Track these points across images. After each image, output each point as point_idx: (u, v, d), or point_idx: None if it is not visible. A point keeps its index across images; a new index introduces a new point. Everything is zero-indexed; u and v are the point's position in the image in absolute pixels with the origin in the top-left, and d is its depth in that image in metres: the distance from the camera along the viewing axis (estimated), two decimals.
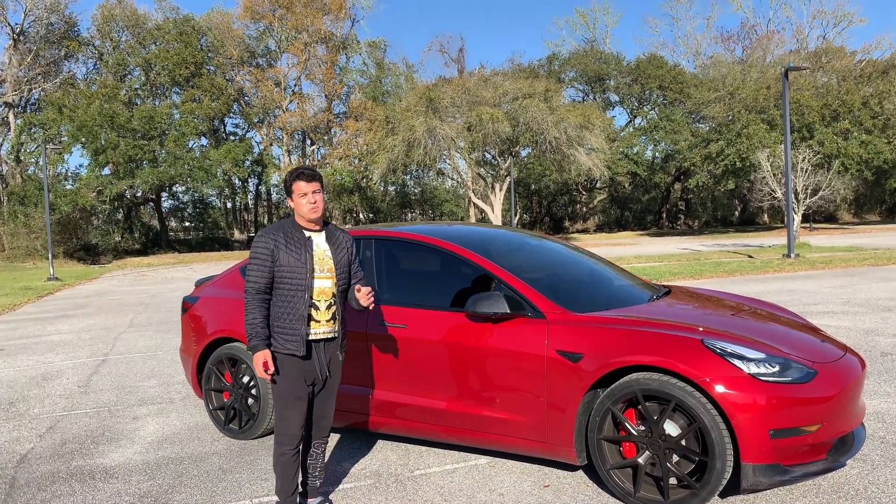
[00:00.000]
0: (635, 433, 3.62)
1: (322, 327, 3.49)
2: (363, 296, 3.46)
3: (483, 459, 4.40)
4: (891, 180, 43.32)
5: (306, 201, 3.44)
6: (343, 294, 3.59)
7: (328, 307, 3.49)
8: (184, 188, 46.37)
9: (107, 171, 39.29)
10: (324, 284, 3.47)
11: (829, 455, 3.51)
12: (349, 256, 3.61)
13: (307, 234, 3.50)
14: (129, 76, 44.73)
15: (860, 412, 3.80)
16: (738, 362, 3.44)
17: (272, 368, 3.38)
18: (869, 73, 39.85)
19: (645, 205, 57.84)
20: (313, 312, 3.45)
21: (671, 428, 3.53)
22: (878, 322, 8.58)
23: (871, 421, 4.76)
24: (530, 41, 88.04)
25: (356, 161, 43.28)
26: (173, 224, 55.98)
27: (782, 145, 21.90)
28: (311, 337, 3.47)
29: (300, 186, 3.44)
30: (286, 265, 3.40)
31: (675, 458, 3.52)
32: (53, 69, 44.52)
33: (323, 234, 3.57)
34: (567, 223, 57.96)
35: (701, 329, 3.74)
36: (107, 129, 37.54)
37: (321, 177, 3.52)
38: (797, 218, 26.81)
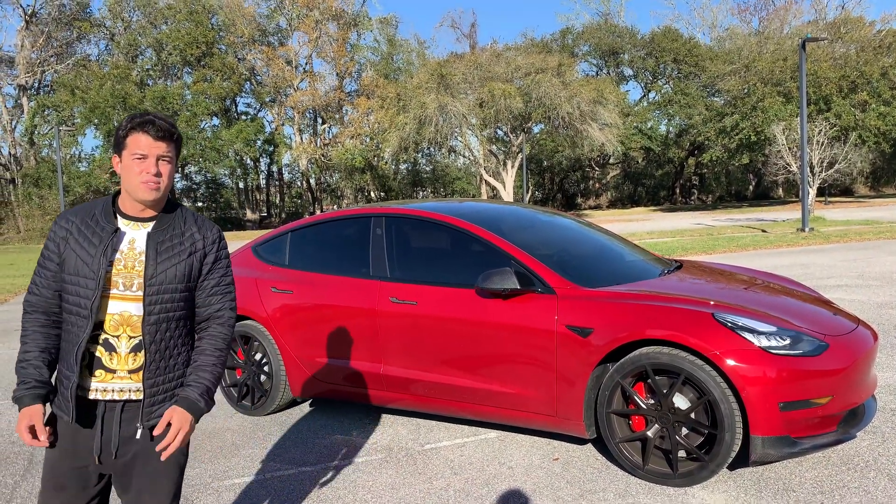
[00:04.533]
0: (644, 407, 3.63)
1: (115, 381, 2.09)
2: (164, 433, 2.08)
3: (493, 433, 4.44)
4: None
5: (140, 169, 2.05)
6: (177, 330, 2.16)
7: (132, 350, 2.09)
8: (196, 168, 46.57)
9: None
10: (125, 309, 2.08)
11: (840, 427, 3.51)
12: (193, 266, 2.17)
13: (122, 223, 2.12)
14: (141, 57, 44.80)
15: (871, 384, 3.78)
16: (748, 335, 3.43)
17: (43, 437, 2.00)
18: (888, 43, 38.98)
19: (658, 180, 57.39)
20: (101, 354, 2.08)
21: (680, 401, 3.54)
22: (893, 295, 8.50)
23: (883, 393, 4.74)
24: (543, 15, 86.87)
25: (367, 139, 43.20)
26: (186, 204, 56.17)
27: (798, 118, 21.59)
28: (93, 394, 2.08)
29: (139, 142, 2.05)
30: (71, 271, 2.07)
31: (685, 430, 3.53)
32: (66, 51, 44.67)
33: (151, 226, 2.14)
34: (579, 199, 57.68)
35: (712, 303, 3.73)
36: (119, 110, 37.69)
37: (179, 137, 2.15)
38: (812, 192, 26.49)
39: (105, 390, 2.08)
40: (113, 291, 2.07)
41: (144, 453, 2.11)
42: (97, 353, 2.08)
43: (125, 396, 2.10)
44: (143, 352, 2.09)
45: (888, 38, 39.53)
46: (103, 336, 2.08)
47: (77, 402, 2.05)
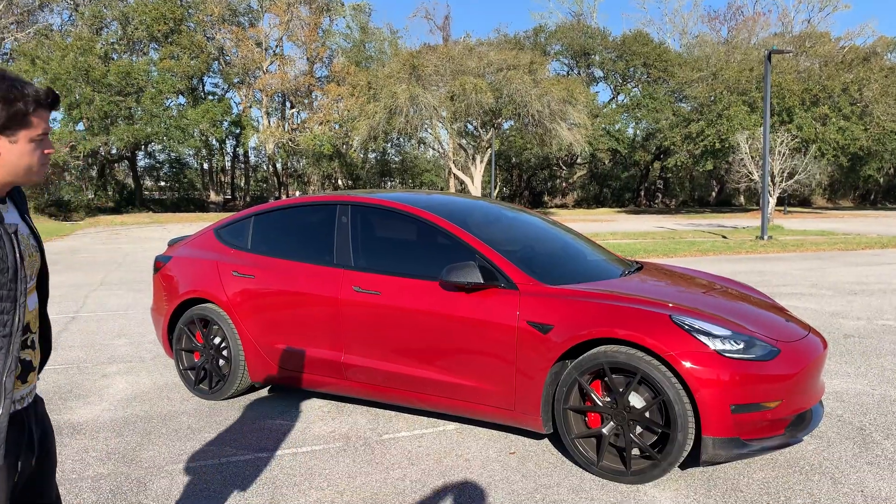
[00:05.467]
0: (601, 404, 3.69)
1: (34, 381, 1.89)
2: None
3: (452, 425, 4.46)
4: (865, 167, 43.96)
5: (43, 149, 1.79)
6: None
7: (33, 344, 1.89)
8: (160, 147, 45.64)
9: (80, 126, 38.49)
10: (32, 303, 1.86)
11: (787, 431, 3.61)
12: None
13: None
14: (106, 29, 43.59)
15: (819, 391, 3.90)
16: (704, 338, 3.51)
17: None
18: (850, 59, 40.12)
19: (624, 182, 58.17)
20: (30, 356, 1.86)
21: (636, 400, 3.60)
22: (844, 305, 8.77)
23: (830, 400, 4.89)
24: (517, 12, 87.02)
25: (337, 126, 42.82)
26: (148, 183, 55.15)
27: (762, 128, 22.06)
28: (20, 403, 1.81)
29: (44, 119, 1.76)
30: None
31: (639, 429, 3.60)
32: (27, 19, 43.20)
33: (11, 207, 1.83)
34: (546, 198, 58.12)
35: (670, 305, 3.80)
36: (81, 84, 36.65)
37: None
38: (772, 201, 27.15)
39: (25, 398, 1.83)
40: (29, 282, 1.83)
41: (43, 444, 1.92)
42: (27, 357, 1.84)
43: (34, 395, 1.90)
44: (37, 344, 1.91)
45: (850, 54, 40.66)
46: (30, 337, 1.85)
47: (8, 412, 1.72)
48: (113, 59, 40.92)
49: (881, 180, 54.81)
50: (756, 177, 27.76)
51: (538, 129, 36.68)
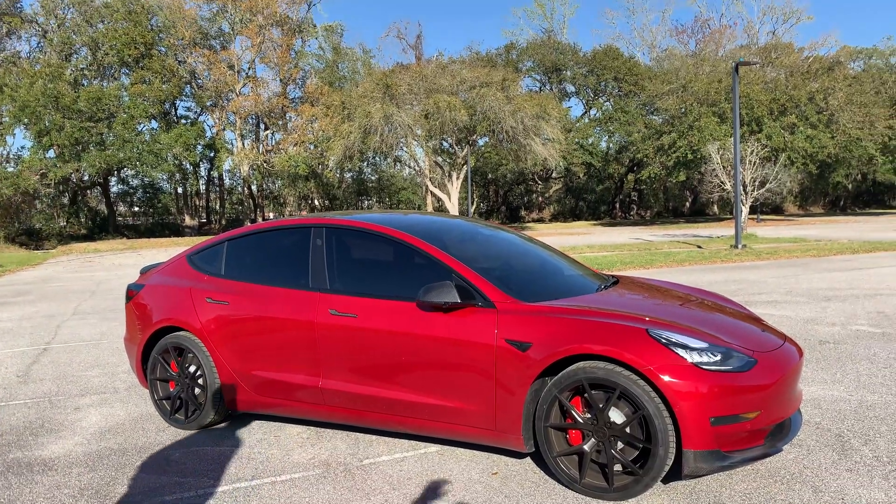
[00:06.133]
0: (581, 421, 3.67)
1: None
2: None
3: (433, 448, 4.42)
4: (834, 174, 44.88)
5: None
6: None
7: None
8: (133, 172, 45.13)
9: (51, 153, 37.98)
10: None
11: (767, 441, 3.62)
12: None
13: None
14: (76, 55, 43.18)
15: (797, 399, 3.92)
16: (681, 351, 3.52)
17: None
18: (815, 69, 40.99)
19: (599, 195, 58.66)
20: None
21: (616, 415, 3.59)
22: (818, 311, 8.88)
23: (808, 407, 4.93)
24: (489, 30, 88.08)
25: (312, 147, 42.73)
26: (122, 209, 54.50)
27: (732, 138, 22.43)
28: None
29: None
30: None
31: (620, 445, 3.59)
32: None
33: None
34: (523, 212, 58.43)
35: (647, 319, 3.81)
36: (51, 110, 36.22)
37: None
38: (745, 209, 27.50)
39: None
40: None
41: None
42: None
43: None
44: None
45: (815, 64, 41.54)
46: None
47: None
48: (83, 85, 40.56)
49: (849, 186, 55.94)
50: (728, 186, 28.13)
51: (513, 145, 36.95)
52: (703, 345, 3.59)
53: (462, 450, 4.35)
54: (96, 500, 3.81)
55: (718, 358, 3.54)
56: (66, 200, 44.88)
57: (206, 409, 4.84)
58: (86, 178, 43.19)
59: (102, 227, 44.16)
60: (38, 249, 33.66)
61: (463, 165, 37.65)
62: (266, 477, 4.05)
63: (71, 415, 5.45)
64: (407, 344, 4.12)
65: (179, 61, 43.58)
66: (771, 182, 28.20)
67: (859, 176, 53.82)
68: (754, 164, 27.22)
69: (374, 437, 4.66)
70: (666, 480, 3.76)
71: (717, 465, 3.44)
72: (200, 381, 4.89)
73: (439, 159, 40.82)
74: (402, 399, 4.17)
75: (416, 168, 41.84)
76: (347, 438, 4.66)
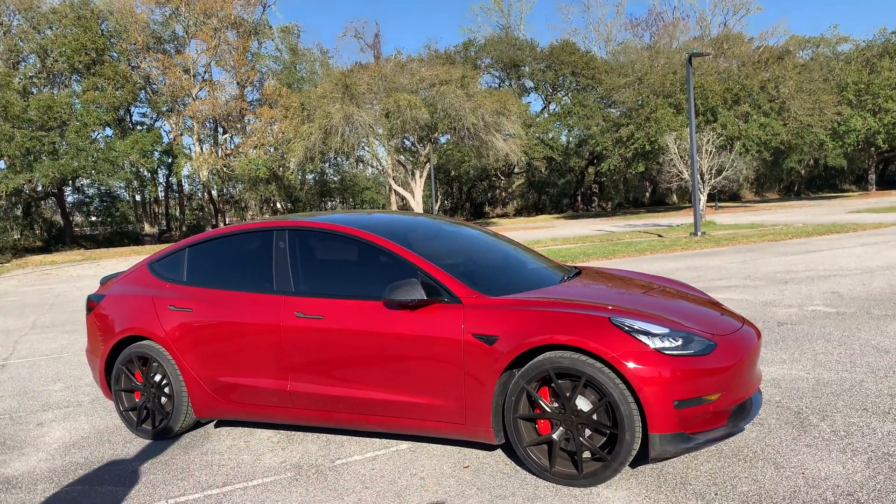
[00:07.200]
0: (549, 410, 3.73)
1: None
2: None
3: (405, 445, 4.44)
4: (787, 160, 45.98)
5: None
6: None
7: None
8: (88, 181, 44.14)
9: (1, 164, 36.93)
10: None
11: (730, 421, 3.72)
12: None
13: None
14: (24, 63, 42.04)
15: (757, 379, 4.04)
16: (643, 338, 3.59)
17: None
18: (766, 58, 41.94)
19: (561, 188, 59.23)
20: None
21: (583, 403, 3.65)
22: (776, 294, 9.12)
23: (768, 387, 5.07)
24: (446, 27, 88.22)
25: (272, 149, 42.29)
26: (78, 219, 53.22)
27: (688, 128, 22.84)
28: None
29: None
30: None
31: (588, 432, 3.65)
32: None
33: None
34: (487, 208, 58.70)
35: (610, 307, 3.88)
36: (0, 120, 35.22)
37: None
38: (703, 197, 28.05)
39: None
40: None
41: None
42: None
43: None
44: None
45: (766, 54, 42.52)
46: None
47: None
48: (32, 93, 39.47)
49: (803, 172, 57.46)
50: (686, 175, 28.65)
51: (474, 142, 37.09)
52: (665, 330, 3.67)
53: (434, 445, 4.38)
54: None
55: (680, 343, 3.62)
56: (19, 212, 43.67)
57: (174, 417, 4.79)
58: (39, 188, 42.06)
59: (58, 239, 43.09)
60: None
61: (426, 163, 37.66)
62: (237, 483, 4.02)
63: (34, 431, 5.34)
64: (375, 343, 4.14)
65: (133, 66, 42.72)
66: (727, 170, 28.79)
67: (811, 161, 55.23)
68: (710, 153, 27.77)
69: (345, 437, 4.66)
70: (634, 465, 3.84)
71: (682, 447, 3.53)
72: (167, 389, 4.84)
73: (402, 158, 40.78)
74: (371, 398, 4.18)
75: (379, 167, 41.75)
76: (318, 440, 4.66)
